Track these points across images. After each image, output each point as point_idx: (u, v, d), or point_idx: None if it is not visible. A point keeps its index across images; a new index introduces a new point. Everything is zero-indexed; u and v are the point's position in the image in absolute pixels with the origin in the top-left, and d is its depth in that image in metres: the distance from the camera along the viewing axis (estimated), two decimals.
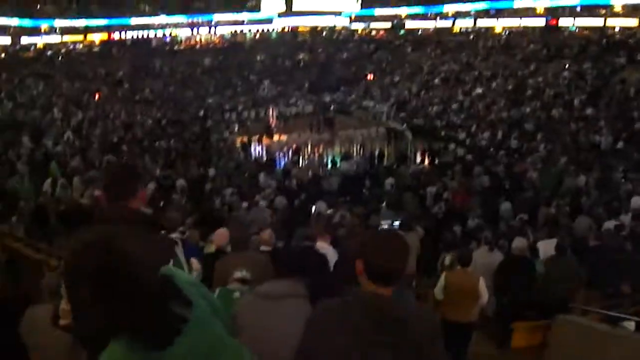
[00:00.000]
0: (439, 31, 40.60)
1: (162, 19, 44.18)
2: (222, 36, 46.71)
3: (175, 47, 44.32)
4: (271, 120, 28.42)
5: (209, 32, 46.46)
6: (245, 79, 36.32)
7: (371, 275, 1.88)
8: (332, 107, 29.61)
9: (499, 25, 38.22)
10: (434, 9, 42.22)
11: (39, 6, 40.46)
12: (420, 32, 42.00)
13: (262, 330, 2.99)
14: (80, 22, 41.38)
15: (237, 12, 46.90)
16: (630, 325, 5.41)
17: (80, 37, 41.23)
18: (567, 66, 25.94)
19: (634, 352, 4.74)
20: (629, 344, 4.83)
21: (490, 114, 23.78)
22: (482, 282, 5.68)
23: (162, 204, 10.63)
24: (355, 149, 23.65)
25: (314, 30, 47.66)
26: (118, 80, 32.27)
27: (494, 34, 37.47)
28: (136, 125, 22.59)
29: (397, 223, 9.99)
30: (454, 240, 10.12)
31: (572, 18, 34.90)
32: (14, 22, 38.42)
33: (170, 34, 44.94)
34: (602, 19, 33.18)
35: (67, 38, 41.08)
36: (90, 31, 41.16)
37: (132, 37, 42.46)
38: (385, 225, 10.12)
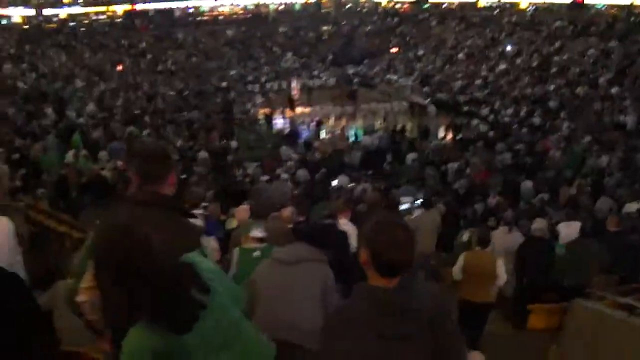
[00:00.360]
0: (463, 5, 39.78)
1: None
2: (245, 7, 46.35)
3: (198, 18, 43.96)
4: (294, 92, 28.26)
5: (232, 3, 46.11)
6: (269, 50, 36.04)
7: (378, 267, 1.86)
8: (355, 80, 29.22)
9: (525, 0, 37.31)
10: None
11: None
12: (444, 6, 41.22)
13: (280, 294, 3.06)
14: None
15: None
16: None
17: (103, 8, 41.21)
18: (593, 44, 25.25)
19: None
20: None
21: (514, 90, 23.40)
22: (500, 262, 5.69)
23: (184, 177, 10.70)
24: (378, 122, 23.45)
25: (337, 2, 46.98)
26: (141, 51, 32.29)
27: (519, 9, 36.59)
28: (158, 97, 22.64)
29: (419, 201, 9.99)
30: (475, 218, 10.13)
31: None
32: None
33: (193, 5, 44.68)
34: None
35: (90, 9, 41.09)
36: (113, 2, 41.08)
37: (155, 8, 42.30)
38: (406, 201, 10.12)
